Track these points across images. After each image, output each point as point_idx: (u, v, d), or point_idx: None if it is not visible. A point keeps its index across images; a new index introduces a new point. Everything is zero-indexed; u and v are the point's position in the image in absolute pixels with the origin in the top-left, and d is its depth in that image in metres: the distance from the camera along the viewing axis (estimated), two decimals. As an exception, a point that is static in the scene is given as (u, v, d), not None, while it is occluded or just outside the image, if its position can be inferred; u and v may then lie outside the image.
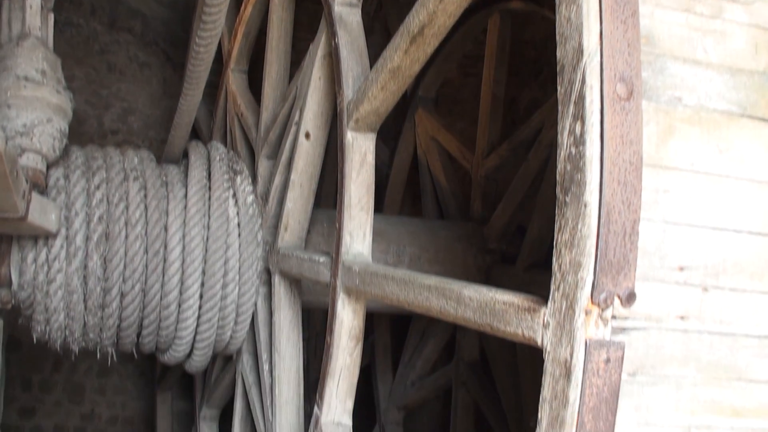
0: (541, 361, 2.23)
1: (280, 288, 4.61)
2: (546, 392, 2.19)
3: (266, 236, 4.86)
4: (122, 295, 4.54)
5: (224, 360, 5.83)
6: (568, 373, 2.10)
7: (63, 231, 4.42)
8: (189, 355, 5.00)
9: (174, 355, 4.96)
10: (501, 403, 5.61)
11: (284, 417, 4.48)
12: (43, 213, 4.14)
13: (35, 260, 4.42)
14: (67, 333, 4.59)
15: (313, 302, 4.83)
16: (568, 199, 2.13)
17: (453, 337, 6.19)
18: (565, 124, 2.13)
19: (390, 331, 6.99)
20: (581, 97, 2.08)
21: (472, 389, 6.01)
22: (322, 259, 3.95)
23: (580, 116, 2.08)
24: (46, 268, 4.40)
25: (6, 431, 8.10)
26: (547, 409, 2.18)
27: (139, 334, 4.79)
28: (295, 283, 4.63)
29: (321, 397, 3.76)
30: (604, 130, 2.05)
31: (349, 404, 3.78)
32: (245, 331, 4.98)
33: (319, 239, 4.96)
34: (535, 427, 2.24)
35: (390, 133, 6.58)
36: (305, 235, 4.69)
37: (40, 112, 4.17)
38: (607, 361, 2.08)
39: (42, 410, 9.00)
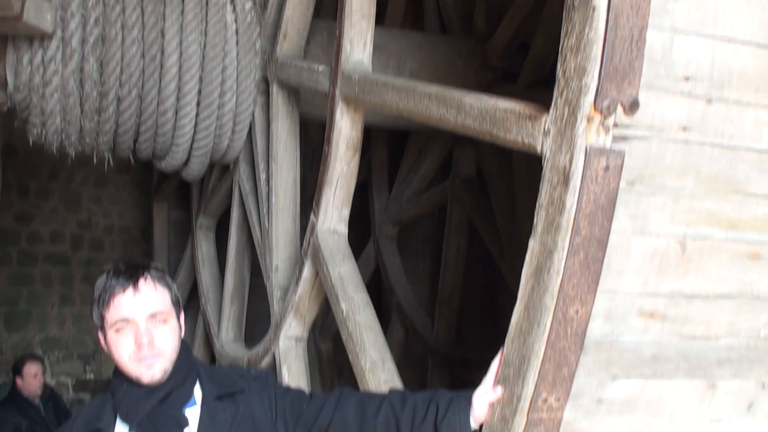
0: (539, 178, 2.23)
1: (278, 98, 4.57)
2: (543, 199, 2.20)
3: (264, 45, 4.77)
4: (119, 100, 4.50)
5: (221, 170, 5.85)
6: (566, 180, 2.10)
7: (59, 32, 4.33)
8: (186, 162, 5.01)
9: (171, 162, 4.97)
10: (495, 220, 5.67)
11: (281, 225, 4.54)
12: (38, 12, 4.05)
13: (31, 62, 4.35)
14: (63, 137, 4.57)
15: (311, 115, 4.80)
16: (576, 3, 2.08)
17: (450, 153, 6.18)
18: (577, -77, 2.06)
19: (387, 147, 6.98)
20: None
21: (467, 205, 6.06)
22: (321, 68, 3.90)
23: None
24: (41, 69, 4.34)
25: (3, 235, 8.21)
26: (543, 215, 2.20)
27: (135, 140, 4.77)
28: (294, 93, 4.58)
29: (318, 205, 3.80)
30: (617, -70, 1.98)
31: (345, 213, 3.82)
32: (243, 141, 4.96)
33: (317, 51, 4.86)
34: (530, 233, 2.27)
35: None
36: (304, 45, 4.61)
37: None
38: (607, 168, 2.08)
39: (39, 216, 9.10)
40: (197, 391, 2.51)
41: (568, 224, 2.10)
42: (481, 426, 2.41)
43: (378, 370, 3.23)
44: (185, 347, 2.51)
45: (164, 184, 7.75)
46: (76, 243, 9.32)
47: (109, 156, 4.88)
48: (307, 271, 3.92)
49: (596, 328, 2.22)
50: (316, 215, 3.79)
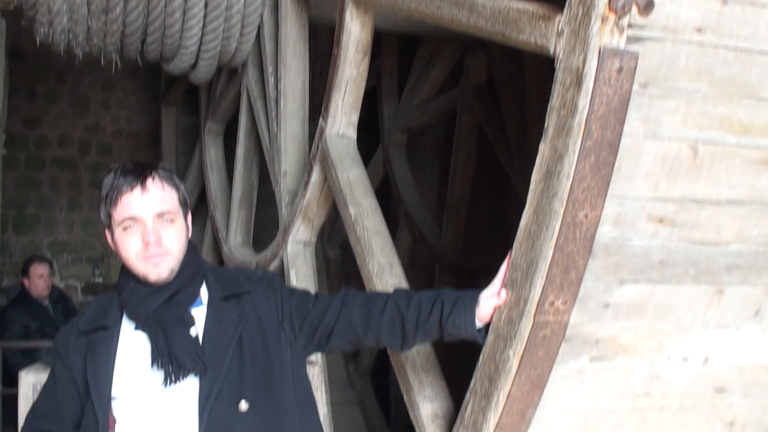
0: (550, 84, 2.20)
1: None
2: (555, 101, 2.17)
3: (273, -55, 4.68)
4: (125, 0, 4.43)
5: (229, 74, 5.80)
6: (578, 81, 2.08)
7: (64, -72, 4.25)
8: (194, 65, 4.96)
9: (179, 65, 4.92)
10: (505, 127, 5.63)
11: (289, 129, 4.51)
12: None
13: (36, -41, 4.28)
14: (70, 37, 4.52)
15: (320, 18, 4.72)
16: None
17: (461, 60, 6.11)
18: None
19: (397, 53, 6.89)
20: None
21: (477, 112, 6.01)
22: (330, -32, 3.83)
23: None
24: (47, -33, 4.28)
25: (11, 140, 8.19)
26: (554, 117, 2.17)
27: (143, 42, 4.72)
28: (303, -6, 4.51)
29: (326, 110, 3.76)
30: None
31: (354, 117, 3.79)
32: (251, 43, 4.91)
33: (327, -49, 4.77)
34: (540, 136, 2.25)
35: None
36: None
37: None
38: (620, 70, 2.05)
39: (47, 121, 9.07)
40: (203, 292, 2.53)
41: (580, 127, 2.08)
42: (486, 326, 2.43)
43: (385, 274, 3.24)
44: (192, 248, 2.53)
45: (172, 89, 7.70)
46: (84, 148, 9.29)
47: (116, 58, 4.83)
48: (315, 176, 3.90)
49: (605, 232, 2.22)
50: (325, 119, 3.76)
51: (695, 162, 2.23)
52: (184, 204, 2.49)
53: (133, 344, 2.45)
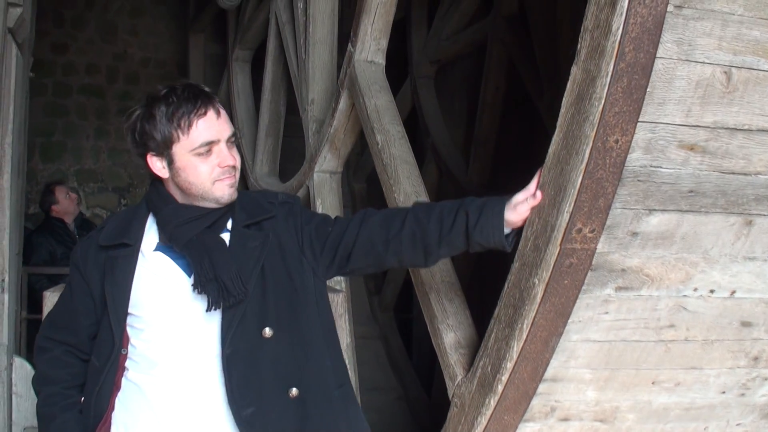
0: (582, 14, 2.15)
1: None
2: (588, 21, 2.12)
3: None
4: None
5: (258, 0, 5.73)
6: (613, 1, 2.02)
7: None
8: (222, -11, 4.91)
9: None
10: (536, 59, 5.54)
11: (317, 56, 4.46)
12: None
13: None
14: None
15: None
16: None
17: (492, -10, 6.01)
18: None
19: (428, -17, 6.81)
20: None
21: (507, 44, 5.91)
22: None
23: None
24: None
25: (39, 65, 8.18)
26: (587, 38, 2.12)
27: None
28: None
29: (355, 35, 3.71)
30: None
31: (384, 43, 3.74)
32: (280, -32, 4.84)
33: None
34: (573, 58, 2.20)
35: None
36: None
37: None
38: (656, -10, 1.99)
39: (75, 47, 9.06)
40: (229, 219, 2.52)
41: (613, 48, 2.03)
42: (515, 233, 2.38)
43: (411, 203, 3.21)
44: None
45: (201, 16, 7.65)
46: (111, 75, 9.29)
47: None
48: (343, 103, 3.87)
49: (635, 159, 2.17)
50: (354, 45, 3.71)
51: (728, 87, 2.17)
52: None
53: (153, 264, 2.42)
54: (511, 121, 6.38)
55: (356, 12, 3.68)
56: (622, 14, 2.01)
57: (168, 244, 2.42)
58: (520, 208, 2.33)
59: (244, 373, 2.32)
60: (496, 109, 6.22)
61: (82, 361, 2.50)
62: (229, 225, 2.47)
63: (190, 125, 2.31)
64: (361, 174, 7.72)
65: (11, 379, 4.34)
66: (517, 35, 5.82)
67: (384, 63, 3.76)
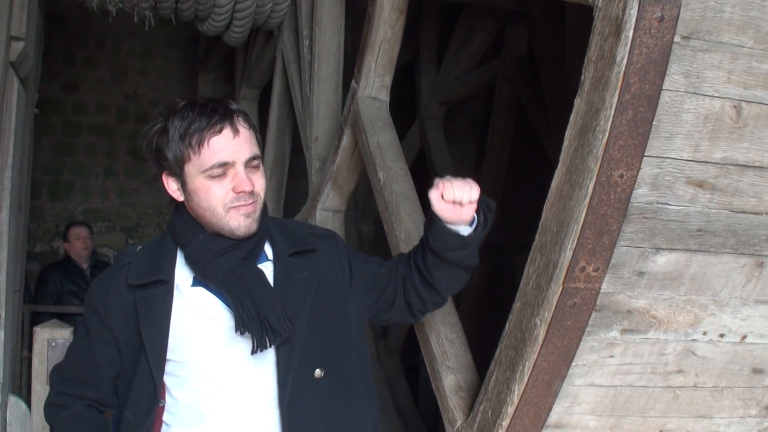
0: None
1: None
2: (592, 53, 2.06)
3: None
4: (159, -45, 4.36)
5: (265, 37, 5.72)
6: (617, 31, 1.96)
7: None
8: (228, 25, 4.88)
9: (213, 24, 4.85)
10: (545, 100, 5.48)
11: (322, 93, 4.41)
12: None
13: None
14: (103, -9, 4.47)
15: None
16: None
17: (502, 31, 5.96)
18: None
19: (437, 24, 6.77)
20: None
21: (516, 85, 5.86)
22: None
23: None
24: None
25: (49, 105, 8.19)
26: (591, 69, 2.06)
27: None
28: (340, -45, 4.40)
29: (359, 71, 3.66)
30: None
31: (387, 80, 3.68)
32: (286, 4, 4.83)
33: None
34: (576, 91, 2.13)
35: None
36: None
37: None
38: (661, 19, 1.93)
39: (85, 86, 9.07)
40: (266, 246, 2.29)
41: (618, 79, 1.96)
42: (480, 221, 2.36)
43: (413, 241, 3.11)
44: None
45: (210, 56, 7.65)
46: (121, 115, 9.29)
47: (150, 15, 4.76)
48: (346, 140, 3.80)
49: (641, 195, 2.09)
50: (357, 81, 3.66)
51: (738, 122, 2.09)
52: (261, 146, 2.26)
53: (193, 302, 2.21)
54: (520, 162, 6.31)
55: (360, 48, 3.63)
56: (626, 44, 1.94)
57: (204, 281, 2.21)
58: (436, 207, 2.26)
59: (302, 419, 2.16)
60: (505, 149, 6.15)
61: (103, 414, 2.33)
62: (269, 253, 2.27)
63: (201, 143, 2.09)
64: (369, 215, 7.64)
65: (5, 418, 4.25)
66: (525, 76, 5.77)
67: (388, 99, 3.70)
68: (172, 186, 2.20)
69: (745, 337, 2.41)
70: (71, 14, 8.11)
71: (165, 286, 2.21)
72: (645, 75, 1.95)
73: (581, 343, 2.26)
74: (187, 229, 2.21)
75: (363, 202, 7.55)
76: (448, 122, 6.91)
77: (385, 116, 3.63)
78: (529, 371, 2.27)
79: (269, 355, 2.16)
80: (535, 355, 2.24)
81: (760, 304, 2.37)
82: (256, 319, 2.11)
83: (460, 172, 6.11)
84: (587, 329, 2.24)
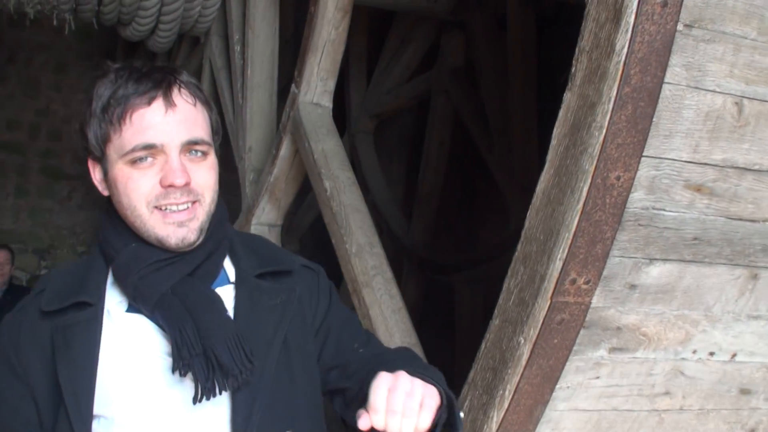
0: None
1: (256, -40, 4.15)
2: (585, 41, 1.86)
3: None
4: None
5: (191, 44, 5.46)
6: (617, 17, 1.76)
7: None
8: (153, 30, 4.59)
9: (137, 29, 4.56)
10: (484, 112, 5.30)
11: (256, 101, 4.17)
12: None
13: None
14: (19, -7, 4.15)
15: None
16: None
17: (437, 41, 5.78)
18: None
19: (367, 35, 6.55)
20: None
21: (453, 96, 5.66)
22: None
23: None
24: None
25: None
26: (584, 60, 1.85)
27: (100, 2, 4.34)
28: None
29: (300, 75, 3.42)
30: None
31: (331, 84, 3.46)
32: (215, 8, 4.57)
33: None
34: (565, 83, 1.93)
35: None
36: None
37: None
38: (664, 4, 1.75)
39: (-6, 104, 8.68)
40: (227, 265, 1.81)
41: (617, 70, 1.76)
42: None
43: (365, 254, 2.90)
44: (219, 199, 1.77)
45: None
46: (33, 132, 8.90)
47: (70, 18, 4.43)
48: (285, 149, 3.56)
49: (637, 199, 1.90)
50: (298, 86, 3.42)
51: (740, 120, 1.92)
52: (216, 132, 1.76)
53: (126, 333, 1.68)
54: (455, 177, 6.13)
55: (301, 51, 3.40)
56: (627, 31, 1.75)
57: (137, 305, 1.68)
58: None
59: None
60: (441, 163, 5.96)
61: None
62: (231, 275, 1.78)
63: (122, 118, 1.60)
64: (294, 234, 7.36)
65: None
66: (463, 87, 5.58)
67: (331, 105, 3.47)
68: (96, 176, 1.73)
69: (735, 355, 2.25)
70: (-20, 27, 7.76)
71: (90, 310, 1.67)
72: (646, 66, 1.77)
73: (567, 364, 2.05)
74: (116, 237, 1.71)
75: (288, 219, 7.28)
76: (378, 136, 6.69)
77: (329, 123, 3.40)
78: (510, 395, 2.05)
79: (221, 406, 1.65)
80: (518, 378, 2.02)
81: (752, 320, 2.21)
82: (200, 355, 1.59)
83: (391, 189, 5.92)
84: (574, 348, 2.03)
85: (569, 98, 1.89)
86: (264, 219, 3.88)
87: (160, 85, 1.62)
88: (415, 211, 6.17)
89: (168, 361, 1.63)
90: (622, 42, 1.75)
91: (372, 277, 2.83)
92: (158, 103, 1.61)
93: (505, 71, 5.00)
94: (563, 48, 2.43)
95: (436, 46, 5.80)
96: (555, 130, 1.93)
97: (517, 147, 4.69)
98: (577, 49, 1.87)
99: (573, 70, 1.88)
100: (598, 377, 2.13)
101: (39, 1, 4.23)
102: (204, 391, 1.58)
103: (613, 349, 2.10)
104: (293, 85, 3.46)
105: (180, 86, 1.66)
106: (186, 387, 1.62)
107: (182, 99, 1.65)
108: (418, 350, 2.66)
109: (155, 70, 1.65)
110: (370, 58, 6.54)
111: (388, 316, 2.74)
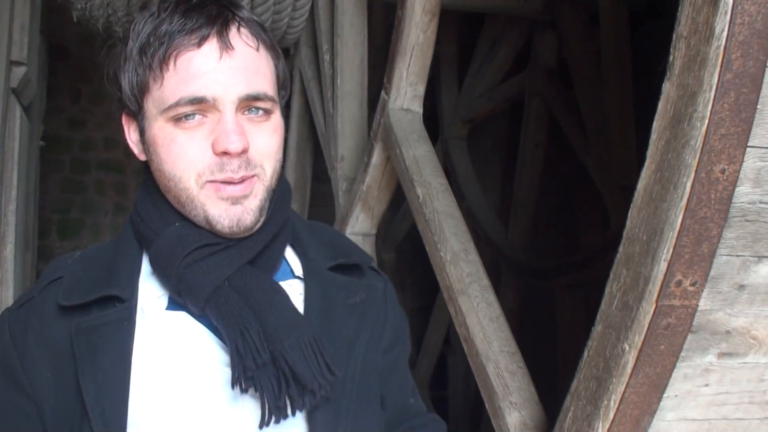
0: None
1: (342, -32, 4.13)
2: (682, 27, 1.74)
3: None
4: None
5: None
6: (715, -1, 1.65)
7: None
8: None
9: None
10: (579, 113, 5.16)
11: (347, 109, 4.13)
12: None
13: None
14: (109, 11, 4.19)
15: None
16: None
17: (528, 42, 5.66)
18: None
19: (457, 40, 6.48)
20: None
21: (547, 98, 5.53)
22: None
23: None
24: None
25: (56, 142, 7.94)
26: (682, 47, 1.74)
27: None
28: (359, -39, 4.14)
29: (389, 80, 3.37)
30: None
31: (420, 89, 3.39)
32: (304, 19, 4.55)
33: None
34: (663, 73, 1.82)
35: None
36: None
37: None
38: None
39: (92, 122, 8.81)
40: (290, 255, 1.51)
41: (717, 56, 1.65)
42: None
43: (461, 261, 2.82)
44: (282, 172, 1.46)
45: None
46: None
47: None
48: (376, 156, 3.50)
49: (743, 193, 1.78)
50: (388, 92, 3.36)
51: None
52: (283, 86, 1.45)
53: (168, 336, 1.36)
54: (552, 180, 6.00)
55: (389, 56, 3.34)
56: (726, 13, 1.63)
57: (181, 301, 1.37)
58: None
59: None
60: (537, 167, 5.82)
61: None
62: (296, 267, 1.49)
63: (165, 62, 1.30)
64: (390, 243, 7.32)
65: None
66: (557, 88, 5.46)
67: (421, 111, 3.40)
68: (132, 135, 1.48)
69: None
70: (75, 49, 7.91)
71: (121, 307, 1.36)
72: (748, 49, 1.65)
73: (674, 371, 1.94)
74: (156, 215, 1.41)
75: (384, 229, 7.24)
76: (472, 141, 6.61)
77: (420, 128, 3.33)
78: (616, 406, 1.94)
79: (294, 430, 1.36)
80: (623, 387, 1.92)
81: None
82: (269, 364, 1.28)
83: (486, 194, 5.83)
84: (681, 354, 1.92)
85: (668, 88, 1.78)
86: (358, 228, 3.83)
87: (214, 22, 1.31)
88: (512, 216, 6.06)
89: (225, 373, 1.33)
90: (722, 25, 1.64)
91: (468, 285, 2.75)
92: (211, 45, 1.31)
93: (599, 69, 4.86)
94: (658, 42, 2.32)
95: (528, 47, 5.70)
96: (654, 123, 1.83)
97: (614, 146, 4.55)
98: (674, 35, 1.76)
99: (671, 58, 1.77)
100: (707, 384, 2.01)
101: (128, 18, 4.27)
102: (273, 411, 1.29)
103: (722, 355, 1.97)
104: (383, 92, 3.41)
105: (240, 24, 1.35)
106: (249, 406, 1.34)
107: (242, 41, 1.34)
108: (518, 359, 2.57)
109: (209, 2, 1.35)
110: (461, 63, 6.47)
111: (485, 324, 2.65)
